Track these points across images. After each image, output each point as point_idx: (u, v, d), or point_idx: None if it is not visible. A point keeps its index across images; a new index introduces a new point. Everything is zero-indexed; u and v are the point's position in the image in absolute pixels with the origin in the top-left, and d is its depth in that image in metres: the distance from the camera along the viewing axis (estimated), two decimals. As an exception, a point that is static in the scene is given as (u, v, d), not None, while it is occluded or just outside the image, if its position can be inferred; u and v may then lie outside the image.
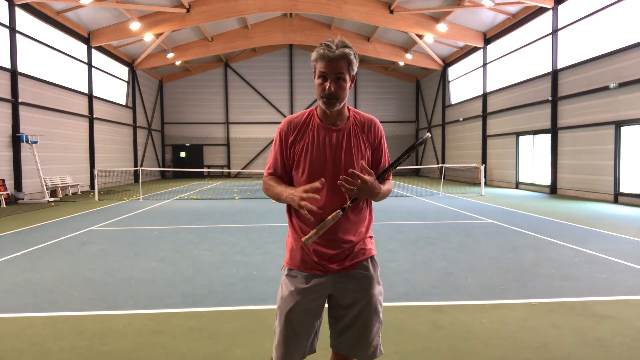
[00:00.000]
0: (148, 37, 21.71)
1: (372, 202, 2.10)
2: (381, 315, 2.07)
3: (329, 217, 1.89)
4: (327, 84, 1.89)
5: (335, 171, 1.96)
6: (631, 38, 12.98)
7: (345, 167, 1.96)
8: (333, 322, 2.08)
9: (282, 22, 25.07)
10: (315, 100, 25.77)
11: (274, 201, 1.96)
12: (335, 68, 1.88)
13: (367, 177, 1.84)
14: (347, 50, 1.88)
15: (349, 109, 2.06)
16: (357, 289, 2.01)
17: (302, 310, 1.98)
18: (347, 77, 1.92)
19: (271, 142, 2.36)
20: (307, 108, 2.15)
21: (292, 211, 2.06)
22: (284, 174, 2.07)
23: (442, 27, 20.52)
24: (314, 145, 1.98)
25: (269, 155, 2.12)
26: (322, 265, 1.98)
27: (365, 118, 2.08)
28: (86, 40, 20.45)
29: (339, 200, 1.97)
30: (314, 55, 1.93)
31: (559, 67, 16.35)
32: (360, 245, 2.04)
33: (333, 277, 2.00)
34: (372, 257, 2.08)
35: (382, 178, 2.01)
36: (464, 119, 24.52)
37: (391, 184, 2.12)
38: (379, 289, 2.06)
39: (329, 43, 1.88)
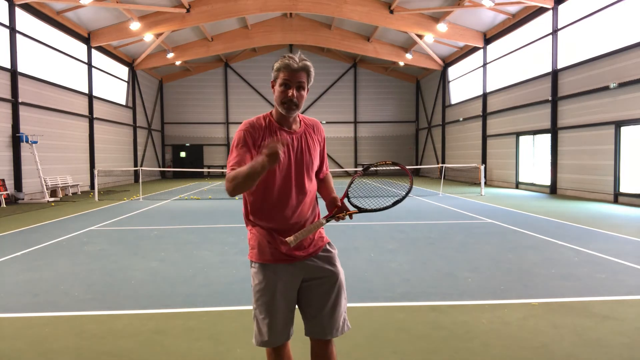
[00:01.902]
0: (148, 37, 21.71)
1: (319, 199, 2.39)
2: (345, 292, 2.30)
3: (315, 223, 2.14)
4: (291, 92, 2.09)
5: (298, 171, 2.18)
6: (631, 38, 12.97)
7: (306, 167, 2.20)
8: (308, 305, 2.23)
9: (282, 22, 25.07)
10: (314, 102, 25.78)
11: (237, 197, 2.06)
12: (297, 77, 2.09)
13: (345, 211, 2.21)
14: (307, 63, 2.12)
15: (297, 115, 2.28)
16: (325, 264, 2.24)
17: (279, 298, 2.16)
18: (306, 87, 2.15)
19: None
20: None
21: (259, 210, 2.19)
22: None
23: (442, 27, 20.52)
24: None
25: (231, 155, 2.11)
26: (289, 255, 2.17)
27: (311, 120, 2.33)
28: (86, 40, 20.45)
29: (304, 198, 2.20)
30: (277, 65, 2.12)
31: (559, 67, 16.34)
32: (318, 234, 2.27)
33: (301, 263, 2.20)
34: (329, 243, 2.33)
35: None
36: (464, 119, 24.51)
37: (329, 175, 2.44)
38: (340, 268, 2.30)
39: (292, 56, 2.11)
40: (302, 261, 2.20)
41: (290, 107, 2.11)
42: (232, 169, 2.04)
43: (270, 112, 2.23)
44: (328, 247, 2.30)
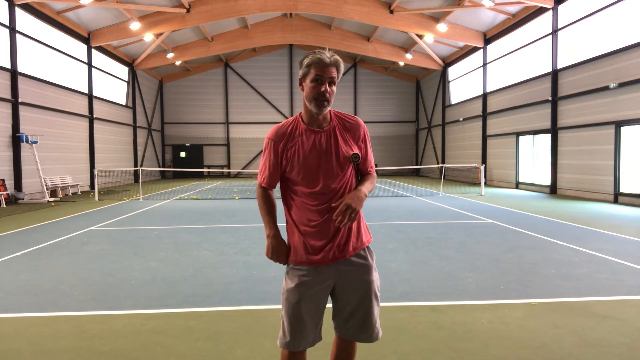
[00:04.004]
0: (148, 37, 21.70)
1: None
2: (379, 298, 2.29)
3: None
4: (323, 87, 2.06)
5: (328, 168, 2.12)
6: (631, 38, 12.97)
7: (335, 164, 2.13)
8: (339, 310, 2.23)
9: (282, 22, 25.06)
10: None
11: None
12: (329, 72, 2.06)
13: (347, 201, 2.02)
14: (338, 58, 2.10)
15: (330, 112, 2.23)
16: (357, 276, 2.18)
17: (308, 301, 2.13)
18: (336, 83, 2.12)
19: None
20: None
21: (292, 210, 2.20)
22: (276, 179, 2.23)
23: (442, 27, 20.52)
24: (304, 148, 2.13)
25: (261, 162, 2.23)
26: (323, 258, 2.14)
27: (348, 117, 2.25)
28: (86, 40, 20.45)
29: (335, 197, 2.13)
30: (308, 60, 2.08)
31: (559, 67, 16.34)
32: (355, 237, 2.21)
33: (335, 266, 2.16)
34: (367, 247, 2.26)
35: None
36: (464, 119, 24.51)
37: (374, 178, 2.29)
38: (376, 276, 2.26)
39: (322, 51, 2.09)
40: (336, 264, 2.16)
41: (322, 103, 2.07)
42: (262, 184, 2.23)
43: (300, 113, 2.20)
44: (366, 253, 2.23)
